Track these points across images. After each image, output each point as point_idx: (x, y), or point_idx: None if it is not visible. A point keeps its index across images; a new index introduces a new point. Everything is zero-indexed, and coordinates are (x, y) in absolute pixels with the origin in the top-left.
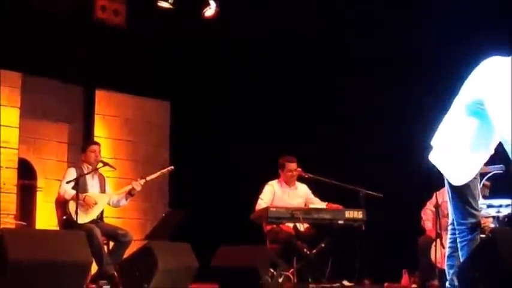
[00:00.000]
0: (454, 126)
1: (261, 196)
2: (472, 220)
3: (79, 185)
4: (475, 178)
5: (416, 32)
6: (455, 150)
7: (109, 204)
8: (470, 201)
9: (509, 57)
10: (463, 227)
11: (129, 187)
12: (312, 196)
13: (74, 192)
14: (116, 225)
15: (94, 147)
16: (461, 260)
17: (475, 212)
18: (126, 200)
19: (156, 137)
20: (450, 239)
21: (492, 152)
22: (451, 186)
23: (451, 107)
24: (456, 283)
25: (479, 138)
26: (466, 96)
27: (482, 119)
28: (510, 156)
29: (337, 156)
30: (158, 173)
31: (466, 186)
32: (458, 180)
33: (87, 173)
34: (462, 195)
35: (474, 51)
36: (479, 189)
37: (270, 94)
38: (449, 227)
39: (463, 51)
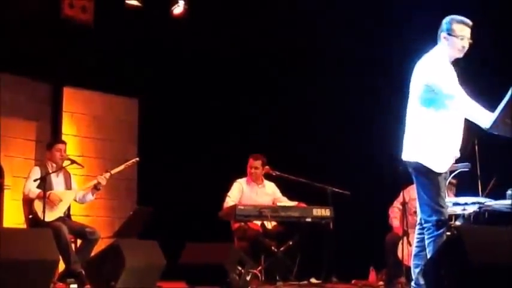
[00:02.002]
0: (418, 121)
1: (229, 194)
2: (438, 217)
3: (45, 183)
4: (439, 175)
5: (384, 32)
6: (428, 140)
7: (75, 200)
8: (436, 199)
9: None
10: (429, 224)
11: (94, 181)
12: (279, 195)
13: (38, 191)
14: (83, 223)
15: (60, 146)
16: (429, 256)
17: (441, 209)
18: (93, 195)
19: (124, 134)
20: (417, 238)
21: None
22: (417, 184)
23: (407, 109)
24: (421, 282)
25: (443, 123)
26: (416, 89)
27: (439, 104)
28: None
29: (304, 154)
30: (123, 166)
31: (432, 183)
32: (441, 167)
33: (53, 172)
34: (428, 192)
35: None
36: (446, 186)
37: (239, 92)
38: (417, 226)
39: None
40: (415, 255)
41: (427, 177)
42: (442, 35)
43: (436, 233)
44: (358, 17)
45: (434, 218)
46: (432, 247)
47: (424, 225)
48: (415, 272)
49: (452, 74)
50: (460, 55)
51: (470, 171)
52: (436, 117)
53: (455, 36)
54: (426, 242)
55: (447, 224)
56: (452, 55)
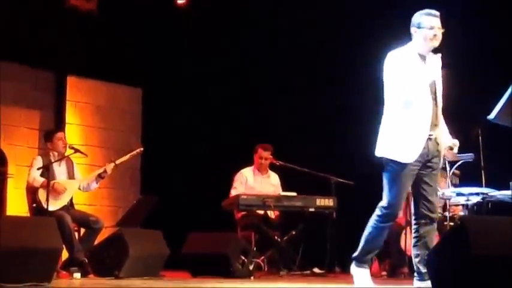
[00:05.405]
0: (386, 114)
1: (235, 185)
2: (388, 210)
3: (48, 172)
4: (403, 167)
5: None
6: (393, 131)
7: (79, 189)
8: (393, 192)
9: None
10: (380, 213)
11: (101, 170)
12: (280, 191)
13: (42, 179)
14: (87, 212)
15: (60, 134)
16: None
17: (394, 203)
18: (97, 183)
19: (128, 124)
20: (414, 228)
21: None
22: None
23: None
24: (423, 271)
25: (406, 114)
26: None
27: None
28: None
29: (308, 144)
30: (128, 156)
31: (392, 175)
32: (407, 158)
33: (56, 161)
34: (387, 183)
35: None
36: (450, 176)
37: (243, 82)
38: (413, 217)
39: None
40: (413, 245)
41: (389, 170)
42: (413, 30)
43: (381, 224)
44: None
45: (385, 210)
46: (369, 233)
47: (377, 212)
48: (415, 262)
49: (403, 68)
50: (435, 44)
51: (474, 162)
52: (396, 110)
53: (425, 28)
54: (369, 224)
55: (395, 220)
56: (425, 46)
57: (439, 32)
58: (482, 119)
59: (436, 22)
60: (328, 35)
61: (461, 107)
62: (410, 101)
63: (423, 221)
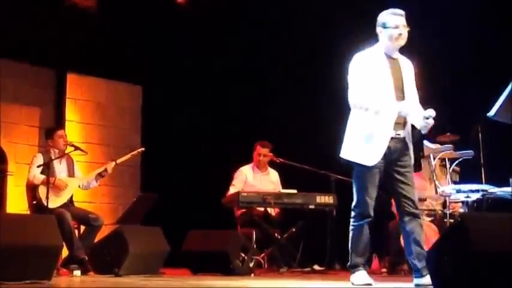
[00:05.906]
0: (350, 116)
1: (234, 182)
2: (360, 210)
3: (48, 169)
4: (369, 169)
5: None
6: (356, 133)
7: (79, 187)
8: (362, 192)
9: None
10: (353, 213)
11: (102, 169)
12: (280, 188)
13: (43, 177)
14: (87, 209)
15: (61, 132)
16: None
17: (365, 203)
18: (97, 181)
19: (128, 121)
20: (402, 228)
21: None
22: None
23: None
24: (419, 267)
25: (368, 116)
26: None
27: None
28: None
29: (308, 141)
30: (129, 155)
31: (359, 177)
32: (369, 160)
33: (57, 158)
34: (355, 184)
35: None
36: (450, 173)
37: (243, 79)
38: (398, 217)
39: None
40: (405, 244)
41: (355, 170)
42: (378, 29)
43: (356, 223)
44: None
45: (356, 210)
46: (351, 235)
47: (351, 213)
48: (410, 260)
49: (365, 70)
50: (401, 42)
51: (474, 159)
52: (359, 112)
53: (390, 27)
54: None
55: (370, 217)
56: (391, 45)
57: (404, 30)
58: (482, 116)
59: (401, 21)
60: (329, 34)
61: (461, 104)
62: (372, 104)
63: (407, 218)
